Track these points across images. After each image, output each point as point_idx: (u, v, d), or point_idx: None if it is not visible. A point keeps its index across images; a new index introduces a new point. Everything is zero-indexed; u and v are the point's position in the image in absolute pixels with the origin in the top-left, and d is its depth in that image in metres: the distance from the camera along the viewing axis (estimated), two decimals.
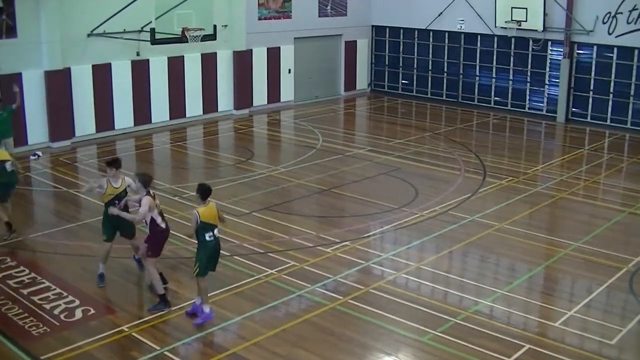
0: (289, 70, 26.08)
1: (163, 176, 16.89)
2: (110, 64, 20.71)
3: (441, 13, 26.35)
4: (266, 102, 25.54)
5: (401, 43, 28.19)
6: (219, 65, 23.71)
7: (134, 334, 9.47)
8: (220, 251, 9.91)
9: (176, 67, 22.43)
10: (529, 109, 25.13)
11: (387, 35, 28.52)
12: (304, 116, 24.42)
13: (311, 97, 27.22)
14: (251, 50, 24.51)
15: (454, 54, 26.81)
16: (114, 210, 10.32)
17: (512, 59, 25.27)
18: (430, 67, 27.58)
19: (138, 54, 21.31)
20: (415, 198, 15.45)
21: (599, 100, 23.29)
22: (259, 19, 24.84)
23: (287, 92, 26.24)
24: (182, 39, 19.37)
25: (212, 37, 20.23)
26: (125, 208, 10.67)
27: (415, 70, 28.03)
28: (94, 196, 10.96)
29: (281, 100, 26.02)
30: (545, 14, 23.45)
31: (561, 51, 23.73)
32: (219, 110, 24.02)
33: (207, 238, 9.55)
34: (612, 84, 22.93)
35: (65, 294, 10.59)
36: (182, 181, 16.46)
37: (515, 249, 12.68)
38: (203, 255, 9.58)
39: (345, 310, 10.21)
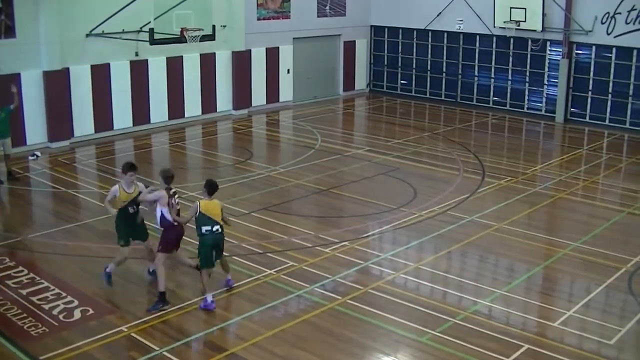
0: (288, 70, 26.08)
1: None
2: (109, 64, 20.70)
3: (440, 13, 26.36)
4: (265, 103, 25.54)
5: (400, 43, 28.20)
6: (217, 66, 23.70)
7: (133, 334, 9.47)
8: (223, 242, 10.32)
9: (175, 67, 22.43)
10: (527, 109, 25.15)
11: (386, 36, 28.53)
12: (303, 116, 24.43)
13: (310, 97, 27.22)
14: (250, 50, 24.51)
15: (453, 54, 26.82)
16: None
17: (510, 59, 25.28)
18: (429, 67, 27.59)
19: (137, 54, 21.31)
20: (414, 198, 15.46)
21: (597, 100, 23.30)
22: (258, 19, 24.84)
23: (286, 92, 26.24)
24: (181, 39, 19.38)
25: (211, 37, 20.25)
26: (136, 204, 10.63)
27: (414, 71, 28.03)
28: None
29: (280, 101, 26.02)
30: (544, 14, 23.45)
31: (560, 51, 23.75)
32: (218, 110, 24.02)
33: (204, 231, 10.03)
34: (610, 84, 22.95)
35: (64, 294, 10.59)
36: (181, 181, 16.43)
37: (514, 249, 12.69)
38: (201, 248, 10.13)
39: (344, 311, 10.21)
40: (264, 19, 25.03)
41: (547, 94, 24.60)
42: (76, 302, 10.32)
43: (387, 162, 18.45)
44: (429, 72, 27.63)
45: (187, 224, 10.52)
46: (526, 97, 25.21)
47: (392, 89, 28.77)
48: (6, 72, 18.10)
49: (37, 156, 17.86)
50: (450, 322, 9.87)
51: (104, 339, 9.31)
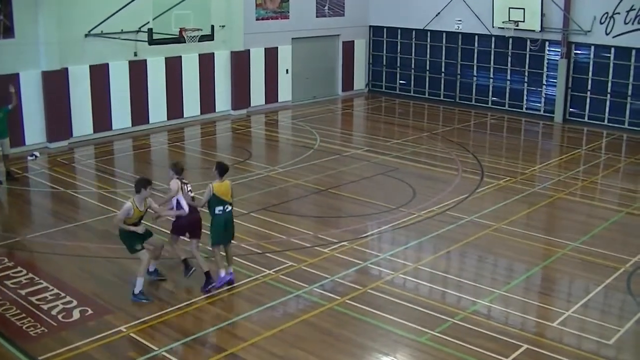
0: (287, 70, 26.08)
1: (161, 177, 16.84)
2: (107, 64, 20.70)
3: (439, 13, 26.37)
4: (264, 103, 25.54)
5: (399, 43, 28.21)
6: (216, 66, 23.70)
7: (132, 334, 9.47)
8: (233, 220, 10.90)
9: (174, 67, 22.42)
10: (526, 109, 25.15)
11: (385, 36, 28.53)
12: (302, 116, 24.43)
13: (309, 98, 27.22)
14: (249, 50, 24.51)
15: (452, 54, 26.82)
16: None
17: (509, 59, 25.29)
18: (427, 68, 27.60)
19: (136, 55, 21.30)
20: (412, 198, 15.46)
21: (596, 100, 23.31)
22: (257, 19, 24.83)
23: (285, 92, 26.24)
24: (179, 39, 19.38)
25: (210, 37, 20.24)
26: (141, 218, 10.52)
27: (412, 71, 28.04)
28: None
29: (279, 101, 26.02)
30: (542, 14, 23.46)
31: (559, 51, 23.76)
32: (217, 110, 24.02)
33: (217, 211, 10.58)
34: (609, 84, 22.96)
35: (63, 294, 10.58)
36: None
37: (512, 249, 12.69)
38: (213, 226, 10.65)
39: (343, 311, 10.21)
40: (262, 19, 25.03)
41: (545, 94, 24.61)
42: (75, 302, 10.32)
43: (386, 162, 18.46)
44: (427, 72, 27.64)
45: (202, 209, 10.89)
46: (525, 97, 25.21)
47: (390, 89, 28.78)
48: (6, 72, 18.09)
49: (36, 156, 17.84)
50: (449, 322, 9.88)
51: (103, 339, 9.31)
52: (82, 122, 20.29)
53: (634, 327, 9.86)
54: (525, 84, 25.11)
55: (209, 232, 10.90)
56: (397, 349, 9.29)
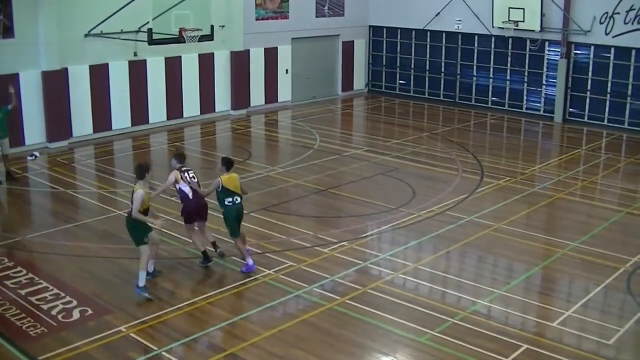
0: (287, 70, 26.08)
1: (160, 177, 16.83)
2: (107, 64, 20.70)
3: (438, 13, 26.37)
4: (264, 103, 25.54)
5: (398, 43, 28.21)
6: (216, 66, 23.70)
7: (131, 334, 9.47)
8: (243, 210, 11.46)
9: (173, 67, 22.42)
10: (526, 109, 25.16)
11: (385, 36, 28.53)
12: (302, 116, 24.43)
13: (309, 98, 27.21)
14: (248, 50, 24.51)
15: (452, 54, 26.82)
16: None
17: (509, 59, 25.29)
18: (427, 67, 27.60)
19: (135, 55, 21.30)
20: (412, 198, 15.46)
21: (596, 100, 23.32)
22: (257, 19, 24.83)
23: (285, 92, 26.23)
24: (179, 39, 19.37)
25: (210, 37, 20.23)
26: None
27: (412, 71, 28.04)
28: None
29: (279, 101, 26.02)
30: (542, 14, 23.46)
31: (558, 51, 23.76)
32: (217, 110, 24.01)
33: (227, 203, 11.13)
34: (609, 84, 22.95)
35: (62, 294, 10.58)
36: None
37: (512, 249, 12.69)
38: (227, 220, 11.23)
39: (343, 311, 10.21)
40: (262, 19, 25.02)
41: (545, 94, 24.61)
42: (75, 302, 10.32)
43: (385, 162, 18.45)
44: (427, 72, 27.64)
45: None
46: (525, 97, 25.21)
47: (390, 89, 28.78)
48: (6, 72, 18.09)
49: (36, 156, 17.82)
50: (449, 322, 9.88)
51: (103, 339, 9.31)
52: (82, 122, 20.29)
53: (634, 327, 9.86)
54: (525, 84, 25.11)
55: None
56: (397, 349, 9.29)
